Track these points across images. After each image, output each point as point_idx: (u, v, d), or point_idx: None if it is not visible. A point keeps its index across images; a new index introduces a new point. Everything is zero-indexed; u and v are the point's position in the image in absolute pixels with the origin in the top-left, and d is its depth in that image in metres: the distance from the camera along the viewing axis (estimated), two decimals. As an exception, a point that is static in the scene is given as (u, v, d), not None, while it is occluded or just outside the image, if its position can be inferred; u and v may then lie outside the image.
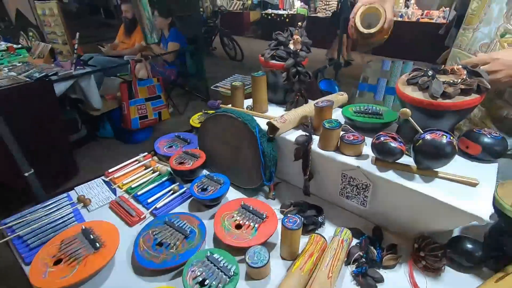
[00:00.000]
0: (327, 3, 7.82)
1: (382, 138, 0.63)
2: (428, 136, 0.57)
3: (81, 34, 2.50)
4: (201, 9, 10.39)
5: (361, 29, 0.83)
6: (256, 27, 10.08)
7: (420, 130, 0.60)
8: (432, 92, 0.61)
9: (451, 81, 0.62)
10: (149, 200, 0.85)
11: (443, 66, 0.70)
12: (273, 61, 0.98)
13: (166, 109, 2.94)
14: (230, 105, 1.03)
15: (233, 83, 1.00)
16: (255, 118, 0.88)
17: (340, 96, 1.03)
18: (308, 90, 1.01)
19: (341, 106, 0.97)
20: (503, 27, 0.75)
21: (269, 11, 8.83)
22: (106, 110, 2.70)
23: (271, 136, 0.81)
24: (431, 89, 0.61)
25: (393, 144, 0.62)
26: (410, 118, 0.60)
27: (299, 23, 7.70)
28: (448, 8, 6.37)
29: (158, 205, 0.82)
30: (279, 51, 0.97)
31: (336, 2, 7.64)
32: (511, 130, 0.78)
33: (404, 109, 0.60)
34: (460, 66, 0.66)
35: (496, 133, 0.68)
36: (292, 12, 8.46)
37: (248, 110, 0.98)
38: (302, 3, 8.94)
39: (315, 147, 0.76)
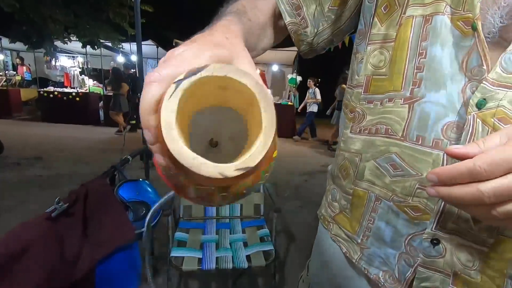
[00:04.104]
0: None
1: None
2: None
3: None
4: None
5: (207, 169, 0.19)
6: (35, 108, 7.96)
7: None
8: None
9: None
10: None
11: None
12: None
13: None
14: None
15: None
16: None
17: None
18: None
19: None
20: (475, 87, 0.35)
21: (51, 88, 7.17)
22: None
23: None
24: None
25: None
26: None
27: None
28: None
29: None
30: None
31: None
32: None
33: None
34: None
35: None
36: (83, 90, 7.25)
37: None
38: (96, 82, 7.99)
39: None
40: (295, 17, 0.51)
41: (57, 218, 0.94)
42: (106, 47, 7.79)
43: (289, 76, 7.68)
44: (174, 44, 7.25)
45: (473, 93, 0.34)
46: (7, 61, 9.51)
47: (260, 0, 0.51)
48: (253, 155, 0.20)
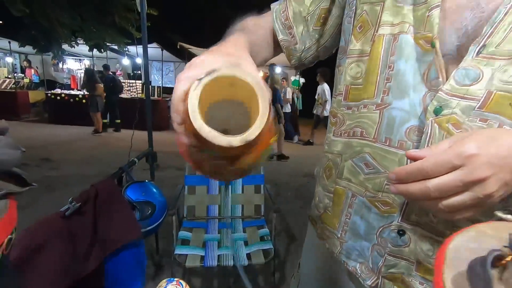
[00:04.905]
0: (131, 84, 7.46)
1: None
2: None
3: None
4: None
5: (220, 139, 0.28)
6: (42, 109, 8.11)
7: None
8: None
9: None
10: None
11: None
12: None
13: None
14: None
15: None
16: None
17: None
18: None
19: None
20: (432, 97, 0.41)
21: (58, 91, 7.31)
22: None
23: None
24: None
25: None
26: None
27: None
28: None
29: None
30: None
31: (141, 85, 7.45)
32: None
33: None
34: None
35: None
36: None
37: None
38: (102, 84, 8.13)
39: None
40: (287, 35, 0.59)
41: (70, 217, 1.01)
42: (112, 50, 7.92)
43: (292, 78, 7.74)
44: (178, 47, 7.35)
45: (431, 101, 0.40)
46: (15, 64, 9.72)
47: (262, 19, 0.59)
48: (251, 132, 0.28)
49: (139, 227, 1.27)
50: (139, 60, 9.01)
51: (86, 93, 7.26)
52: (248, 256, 1.44)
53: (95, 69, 9.02)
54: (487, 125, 0.38)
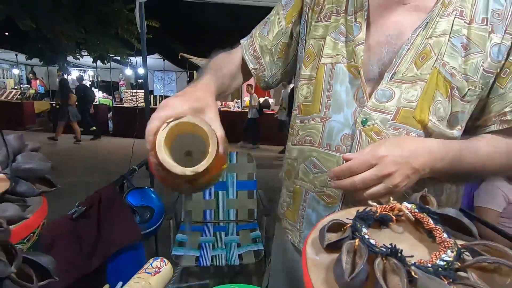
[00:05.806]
0: (134, 94, 7.64)
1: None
2: None
3: None
4: None
5: (176, 169, 0.38)
6: (47, 119, 8.30)
7: None
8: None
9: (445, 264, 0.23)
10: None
11: (375, 208, 0.32)
12: None
13: None
14: None
15: None
16: None
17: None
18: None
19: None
20: (360, 111, 0.54)
21: (62, 101, 7.49)
22: None
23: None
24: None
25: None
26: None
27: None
28: (239, 101, 7.83)
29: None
30: None
31: (143, 94, 7.64)
32: None
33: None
34: (408, 205, 0.31)
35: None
36: (94, 102, 7.57)
37: None
38: (105, 93, 8.33)
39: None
40: (256, 64, 0.71)
41: (77, 219, 1.13)
42: (115, 61, 8.15)
43: (291, 86, 7.88)
44: (179, 57, 7.55)
45: (359, 114, 0.53)
46: (21, 75, 9.99)
47: (233, 54, 0.72)
48: (200, 166, 0.38)
49: (139, 230, 1.38)
50: (141, 70, 9.24)
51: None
52: (240, 256, 1.55)
53: (99, 79, 9.25)
54: (398, 133, 0.52)
